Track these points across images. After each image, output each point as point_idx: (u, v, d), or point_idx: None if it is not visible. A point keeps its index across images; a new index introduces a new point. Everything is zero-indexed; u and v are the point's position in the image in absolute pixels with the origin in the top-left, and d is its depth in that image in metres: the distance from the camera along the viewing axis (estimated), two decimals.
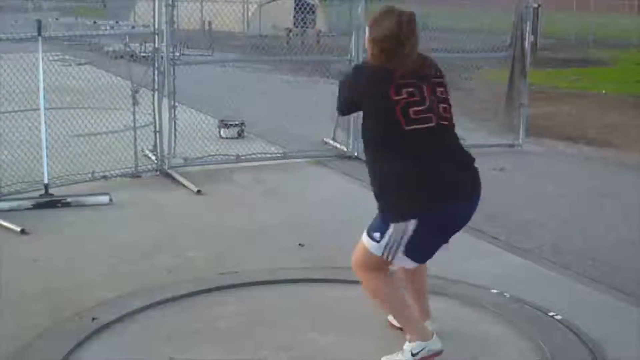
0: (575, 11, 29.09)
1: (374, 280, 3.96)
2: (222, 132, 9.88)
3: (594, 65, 20.81)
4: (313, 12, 24.30)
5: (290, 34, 22.24)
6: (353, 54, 8.91)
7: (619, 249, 5.97)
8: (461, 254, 5.12)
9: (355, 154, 8.80)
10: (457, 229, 3.92)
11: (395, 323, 4.27)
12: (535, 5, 9.50)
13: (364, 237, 3.89)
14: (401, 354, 3.93)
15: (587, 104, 13.97)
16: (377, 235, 3.82)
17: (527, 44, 9.70)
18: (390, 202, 3.79)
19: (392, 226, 3.76)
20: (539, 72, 15.93)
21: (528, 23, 9.70)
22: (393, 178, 3.76)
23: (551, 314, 4.57)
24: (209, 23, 20.09)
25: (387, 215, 3.80)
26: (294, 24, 22.56)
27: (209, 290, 4.86)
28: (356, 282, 4.99)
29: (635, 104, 13.85)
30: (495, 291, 4.88)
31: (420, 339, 3.91)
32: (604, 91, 15.35)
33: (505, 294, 4.85)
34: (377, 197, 3.85)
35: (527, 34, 9.68)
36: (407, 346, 3.92)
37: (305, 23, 20.67)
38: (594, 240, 6.17)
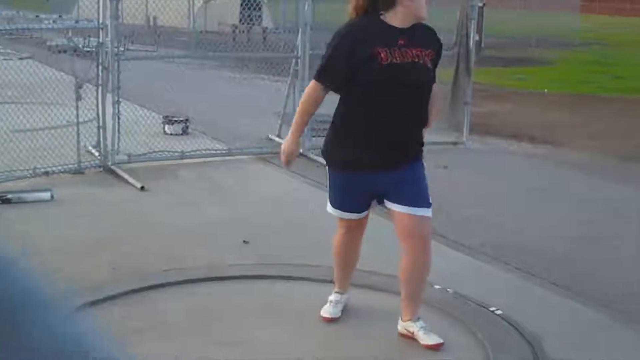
0: (519, 11, 29.47)
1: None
2: (166, 129, 9.80)
3: (538, 64, 21.13)
4: (259, 9, 24.22)
5: (236, 31, 22.14)
6: (300, 51, 8.91)
7: (558, 244, 6.09)
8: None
9: (300, 150, 8.74)
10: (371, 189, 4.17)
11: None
12: (481, 4, 9.57)
13: None
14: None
15: (530, 102, 14.20)
16: None
17: (471, 43, 9.81)
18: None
19: None
20: (484, 71, 16.11)
21: (473, 22, 9.80)
22: None
23: (492, 309, 4.65)
24: (154, 18, 19.93)
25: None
26: (240, 20, 22.47)
27: (153, 287, 4.84)
28: (302, 279, 5.05)
29: (575, 103, 14.12)
30: (438, 287, 4.95)
31: (335, 287, 4.52)
32: (545, 90, 15.62)
33: (448, 289, 4.92)
34: None
35: (472, 33, 9.79)
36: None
37: (251, 20, 20.58)
38: (534, 236, 6.28)
